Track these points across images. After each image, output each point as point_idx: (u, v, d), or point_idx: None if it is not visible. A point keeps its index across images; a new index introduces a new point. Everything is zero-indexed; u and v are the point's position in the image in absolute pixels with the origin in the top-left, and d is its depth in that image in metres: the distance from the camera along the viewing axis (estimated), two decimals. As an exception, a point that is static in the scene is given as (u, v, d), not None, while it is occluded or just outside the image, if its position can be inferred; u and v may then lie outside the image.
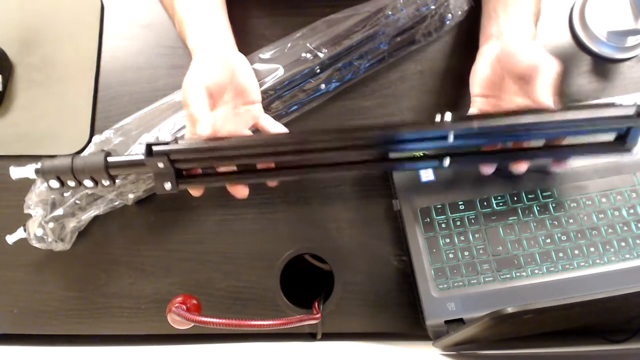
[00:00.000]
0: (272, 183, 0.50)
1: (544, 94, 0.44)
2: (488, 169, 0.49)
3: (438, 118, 0.44)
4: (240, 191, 0.48)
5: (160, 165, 0.45)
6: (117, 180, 0.53)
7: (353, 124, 0.58)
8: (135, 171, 0.46)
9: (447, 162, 0.46)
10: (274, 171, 0.48)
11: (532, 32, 0.49)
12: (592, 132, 0.46)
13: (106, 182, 0.46)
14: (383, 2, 0.55)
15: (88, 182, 0.46)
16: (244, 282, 0.55)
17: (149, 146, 0.44)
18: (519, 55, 0.47)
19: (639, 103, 0.44)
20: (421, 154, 0.47)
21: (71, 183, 0.46)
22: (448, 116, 0.44)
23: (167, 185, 0.46)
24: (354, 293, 0.54)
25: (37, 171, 0.45)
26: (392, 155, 0.47)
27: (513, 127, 0.44)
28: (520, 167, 0.48)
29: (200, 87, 0.45)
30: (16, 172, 0.46)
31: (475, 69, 0.51)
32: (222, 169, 0.48)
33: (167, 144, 0.45)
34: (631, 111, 0.44)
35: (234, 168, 0.48)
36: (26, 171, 0.45)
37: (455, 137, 0.44)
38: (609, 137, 0.47)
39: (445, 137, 0.44)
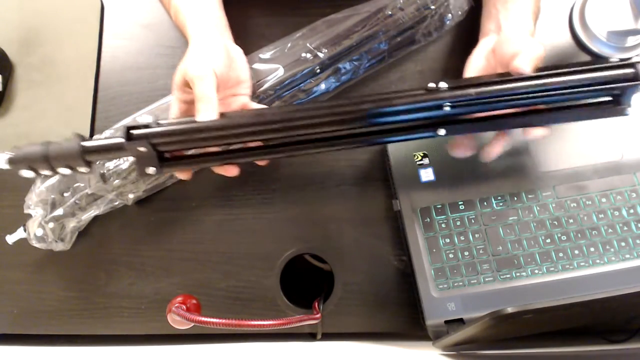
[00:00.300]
0: (261, 162, 0.49)
1: (523, 63, 0.43)
2: (461, 151, 0.48)
3: (432, 86, 0.44)
4: (230, 170, 0.47)
5: (142, 149, 0.42)
6: (112, 180, 0.53)
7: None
8: (114, 156, 0.43)
9: (442, 131, 0.45)
10: (262, 149, 0.46)
11: (530, 29, 0.49)
12: (588, 93, 0.45)
13: (83, 169, 0.43)
14: (383, 2, 0.55)
15: (64, 170, 0.43)
16: (244, 282, 0.55)
17: (128, 129, 0.42)
18: (508, 44, 0.47)
19: (637, 60, 0.43)
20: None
21: (46, 172, 0.43)
22: (443, 85, 0.43)
23: (150, 170, 0.43)
24: (354, 293, 0.54)
25: (9, 161, 0.42)
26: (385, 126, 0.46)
27: (506, 92, 0.43)
28: (496, 148, 0.47)
29: (211, 70, 0.44)
30: None
31: (470, 59, 0.51)
32: (208, 150, 0.46)
33: (147, 126, 0.42)
34: (630, 72, 0.43)
35: (220, 149, 0.46)
36: None
37: (452, 106, 0.43)
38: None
39: (440, 107, 0.43)
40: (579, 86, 0.44)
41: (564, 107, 0.46)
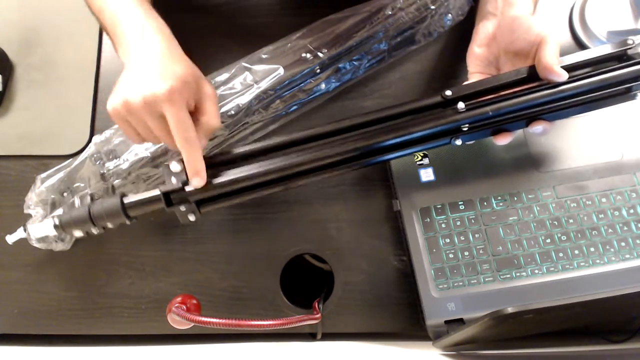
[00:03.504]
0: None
1: (554, 58, 0.44)
2: (503, 140, 0.48)
3: (448, 94, 0.45)
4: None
5: (182, 209, 0.45)
6: (112, 180, 0.53)
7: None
8: (155, 207, 0.45)
9: (459, 141, 0.46)
10: (290, 179, 0.47)
11: (530, 11, 0.49)
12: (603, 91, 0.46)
13: (128, 222, 0.46)
14: (383, 2, 0.55)
15: (110, 225, 0.46)
16: (244, 282, 0.55)
17: (166, 196, 0.43)
18: (519, 31, 0.46)
19: None
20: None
21: (94, 230, 0.45)
22: (461, 106, 0.45)
23: (192, 217, 0.46)
24: (354, 293, 0.54)
25: (56, 227, 0.44)
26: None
27: (523, 106, 0.45)
28: (534, 128, 0.47)
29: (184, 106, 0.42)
30: (35, 231, 0.45)
31: (471, 48, 0.51)
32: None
33: (182, 189, 0.43)
34: None
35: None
36: (45, 228, 0.44)
37: (470, 126, 0.45)
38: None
39: (458, 128, 0.45)
40: (595, 89, 0.45)
41: (576, 102, 0.46)
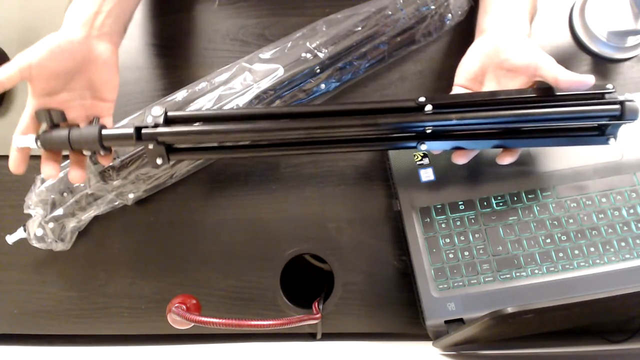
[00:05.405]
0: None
1: (568, 73, 0.44)
2: (462, 159, 0.49)
3: (422, 100, 0.46)
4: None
5: (150, 146, 0.46)
6: (116, 182, 0.53)
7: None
8: (128, 144, 0.48)
9: (424, 146, 0.47)
10: (260, 148, 0.49)
11: (526, 30, 0.49)
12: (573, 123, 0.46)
13: (102, 153, 0.47)
14: (383, 2, 0.55)
15: (86, 153, 0.47)
16: (244, 282, 0.55)
17: (138, 129, 0.45)
18: (511, 50, 0.47)
19: (626, 98, 0.44)
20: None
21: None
22: (429, 108, 0.45)
23: (159, 160, 0.47)
24: (354, 293, 0.54)
25: (37, 138, 0.45)
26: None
27: (488, 121, 0.45)
28: (503, 160, 0.49)
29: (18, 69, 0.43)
30: (19, 141, 0.46)
31: (464, 61, 0.51)
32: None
33: (155, 126, 0.46)
34: (616, 111, 0.44)
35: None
36: (27, 140, 0.45)
37: (434, 129, 0.46)
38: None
39: (423, 129, 0.46)
40: (562, 119, 0.45)
41: (547, 130, 0.47)
